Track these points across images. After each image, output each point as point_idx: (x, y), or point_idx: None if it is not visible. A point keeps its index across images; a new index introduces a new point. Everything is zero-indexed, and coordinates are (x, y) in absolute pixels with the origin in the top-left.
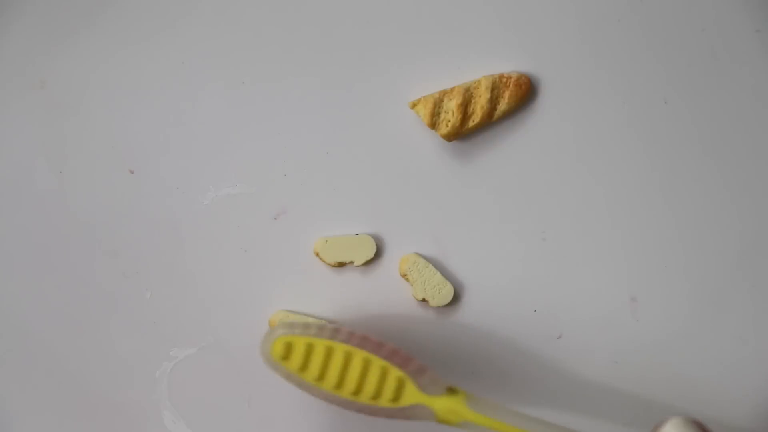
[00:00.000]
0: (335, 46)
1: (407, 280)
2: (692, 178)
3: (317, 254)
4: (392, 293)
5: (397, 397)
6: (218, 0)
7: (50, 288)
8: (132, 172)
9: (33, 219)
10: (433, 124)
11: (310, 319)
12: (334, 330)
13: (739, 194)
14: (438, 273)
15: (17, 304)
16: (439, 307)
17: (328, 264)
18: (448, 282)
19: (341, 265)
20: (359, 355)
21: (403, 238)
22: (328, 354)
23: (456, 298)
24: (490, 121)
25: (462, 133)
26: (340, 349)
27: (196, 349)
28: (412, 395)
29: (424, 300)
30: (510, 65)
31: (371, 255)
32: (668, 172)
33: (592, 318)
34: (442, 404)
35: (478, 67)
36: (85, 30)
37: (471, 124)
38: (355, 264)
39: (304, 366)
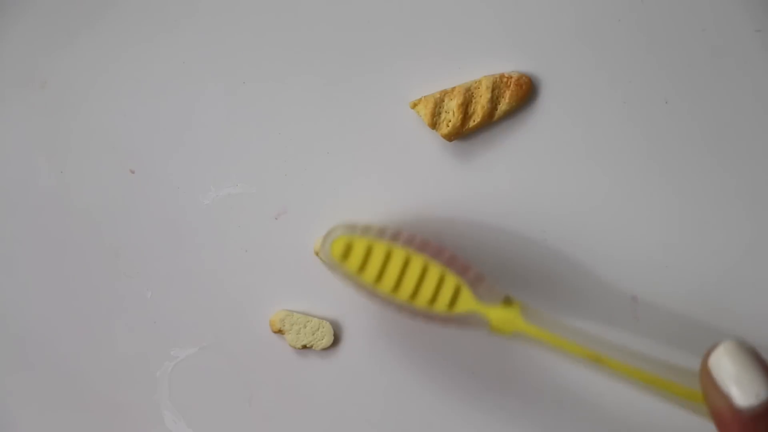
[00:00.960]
0: (336, 46)
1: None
2: (692, 178)
3: (317, 254)
4: None
5: (452, 303)
6: (219, 0)
7: (50, 288)
8: (133, 172)
9: (34, 219)
10: (434, 124)
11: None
12: (394, 233)
13: (740, 194)
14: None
15: (17, 303)
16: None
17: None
18: None
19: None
20: (418, 259)
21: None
22: (387, 256)
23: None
24: (491, 121)
25: (463, 133)
26: (399, 252)
27: (197, 348)
28: (468, 302)
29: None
30: (510, 65)
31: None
32: (668, 172)
33: (592, 318)
34: (497, 314)
35: (478, 67)
36: (86, 30)
37: (472, 124)
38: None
39: (363, 267)
